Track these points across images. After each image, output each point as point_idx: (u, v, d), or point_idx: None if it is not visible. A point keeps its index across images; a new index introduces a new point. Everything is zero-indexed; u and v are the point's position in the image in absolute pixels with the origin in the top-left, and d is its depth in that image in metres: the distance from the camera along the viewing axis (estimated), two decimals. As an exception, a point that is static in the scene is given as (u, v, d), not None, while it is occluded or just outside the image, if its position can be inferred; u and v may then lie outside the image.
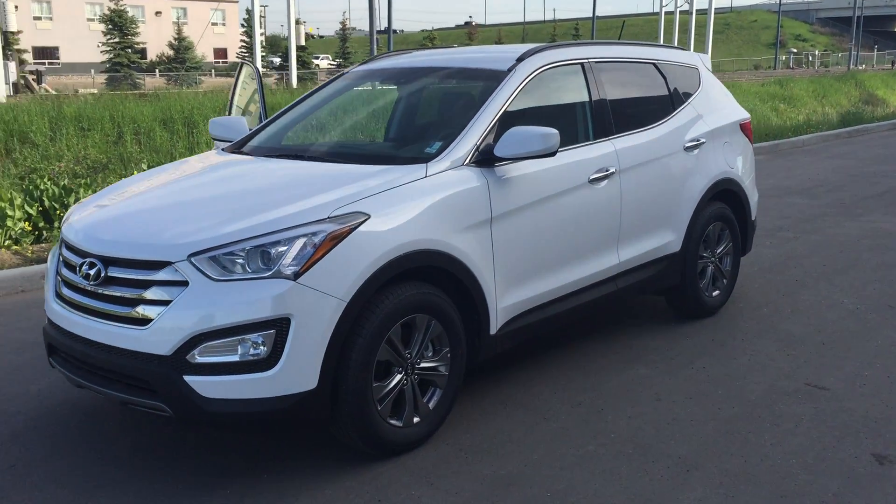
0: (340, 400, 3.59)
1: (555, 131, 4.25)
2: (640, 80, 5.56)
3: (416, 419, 3.92)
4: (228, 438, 4.07)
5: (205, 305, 3.36)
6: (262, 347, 3.38)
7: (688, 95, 5.79)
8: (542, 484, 3.62)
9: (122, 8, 53.42)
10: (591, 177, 4.76)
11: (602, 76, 5.17)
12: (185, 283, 3.42)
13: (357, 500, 3.50)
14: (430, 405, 3.99)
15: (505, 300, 4.29)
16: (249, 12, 41.19)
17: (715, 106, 5.99)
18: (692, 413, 4.33)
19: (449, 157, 4.13)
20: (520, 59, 4.75)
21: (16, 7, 35.48)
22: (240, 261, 3.45)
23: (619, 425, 4.18)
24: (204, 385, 3.36)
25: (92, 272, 3.64)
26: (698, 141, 5.65)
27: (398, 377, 3.82)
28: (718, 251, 5.95)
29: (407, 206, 3.83)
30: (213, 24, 71.87)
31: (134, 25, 54.42)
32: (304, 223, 3.54)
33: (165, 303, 3.42)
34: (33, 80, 37.76)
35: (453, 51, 5.66)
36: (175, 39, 60.44)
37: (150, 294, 3.47)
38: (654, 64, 5.65)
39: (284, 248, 3.46)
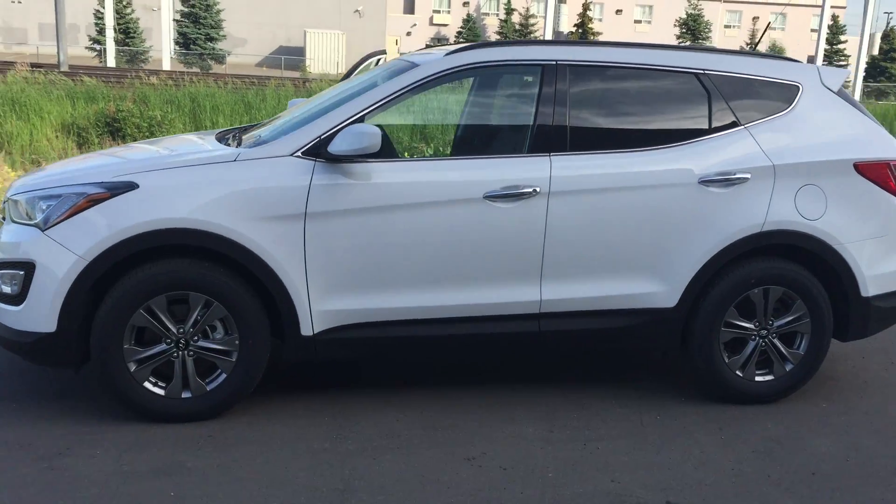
0: (91, 351, 3.91)
1: (374, 131, 3.93)
2: (657, 92, 4.52)
3: (185, 394, 4.02)
4: None
5: None
6: (14, 285, 3.89)
7: (752, 117, 4.50)
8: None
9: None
10: (490, 193, 4.14)
11: (581, 82, 4.40)
12: None
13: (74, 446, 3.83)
14: (210, 386, 4.04)
15: (326, 304, 4.07)
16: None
17: (807, 135, 4.54)
18: None
19: (273, 147, 4.09)
20: (448, 55, 4.36)
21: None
22: (22, 208, 4.00)
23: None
24: None
25: None
26: (732, 176, 4.39)
27: (163, 347, 3.97)
28: (777, 325, 4.54)
29: (191, 186, 3.95)
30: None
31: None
32: (81, 183, 3.95)
33: None
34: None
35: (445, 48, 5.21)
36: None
37: None
38: (697, 74, 4.52)
39: (53, 202, 3.91)
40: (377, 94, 4.20)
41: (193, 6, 45.08)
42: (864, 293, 4.59)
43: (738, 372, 4.55)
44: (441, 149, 8.94)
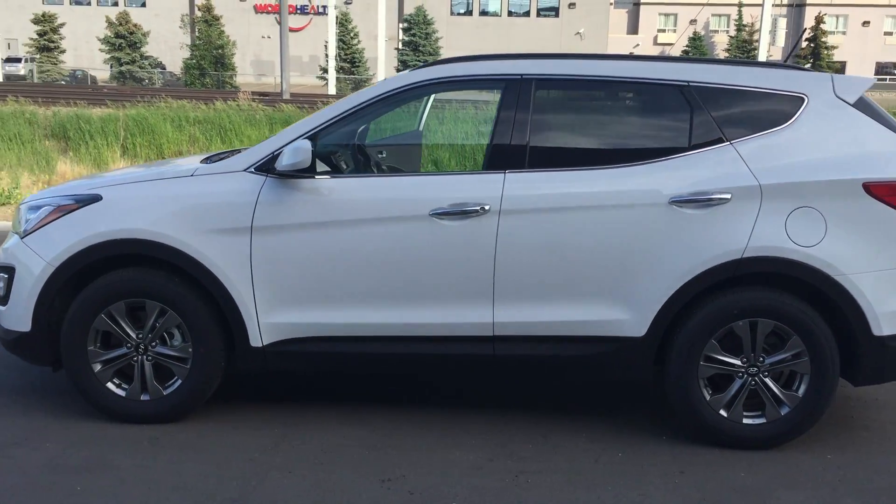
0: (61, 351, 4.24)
1: (306, 147, 3.98)
2: (632, 106, 4.20)
3: (144, 397, 4.25)
4: None
5: None
6: (2, 287, 4.30)
7: (741, 132, 4.06)
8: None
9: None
10: (436, 210, 4.04)
11: (547, 97, 4.20)
12: None
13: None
14: (166, 390, 4.25)
15: (274, 317, 4.15)
16: None
17: (807, 152, 4.01)
18: None
19: (230, 163, 4.25)
20: (412, 70, 4.32)
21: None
22: (17, 218, 4.42)
23: None
24: None
25: None
26: (708, 196, 3.98)
27: (123, 351, 4.22)
28: (769, 362, 4.06)
29: (149, 199, 4.19)
30: None
31: None
32: (57, 195, 4.32)
33: None
34: None
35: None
36: None
37: None
38: (680, 86, 4.15)
39: (34, 213, 4.29)
40: (334, 111, 4.24)
41: (414, 35, 47.05)
42: (876, 332, 4.00)
43: (721, 412, 4.12)
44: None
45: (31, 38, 50.01)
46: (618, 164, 4.10)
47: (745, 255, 3.97)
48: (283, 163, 4.03)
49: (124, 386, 4.27)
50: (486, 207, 4.03)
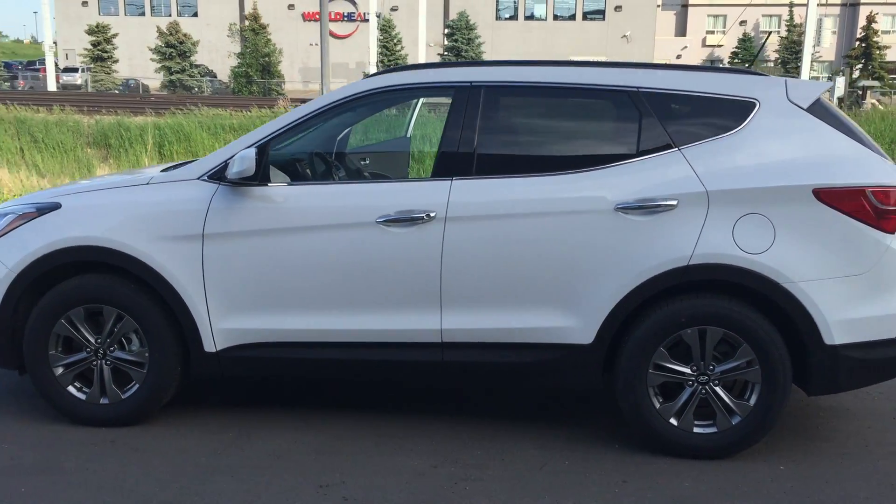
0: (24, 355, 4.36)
1: (249, 155, 4.04)
2: (581, 113, 4.18)
3: (103, 400, 4.35)
4: None
5: None
6: None
7: (690, 139, 4.01)
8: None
9: None
10: (382, 217, 4.07)
11: (495, 104, 4.20)
12: None
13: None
14: (125, 394, 4.34)
15: (227, 322, 4.21)
16: None
17: (756, 158, 3.93)
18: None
19: (185, 170, 4.33)
20: (365, 79, 4.36)
21: None
22: None
23: None
24: None
25: None
26: (654, 203, 3.94)
27: (83, 355, 4.33)
28: (719, 371, 4.00)
29: (105, 207, 4.29)
30: None
31: None
32: (22, 203, 4.45)
33: None
34: None
35: None
36: None
37: None
38: (629, 92, 4.11)
39: (1, 221, 4.42)
40: (284, 120, 4.29)
41: (456, 41, 47.17)
42: (828, 341, 3.91)
43: (671, 420, 4.07)
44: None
45: (86, 49, 51.28)
46: (565, 170, 4.08)
47: (692, 263, 3.92)
48: (231, 171, 4.09)
49: (85, 390, 4.37)
50: (432, 214, 4.04)
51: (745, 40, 61.82)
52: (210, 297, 4.20)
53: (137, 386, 4.32)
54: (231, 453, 4.10)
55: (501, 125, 4.24)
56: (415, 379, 4.38)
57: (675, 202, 3.94)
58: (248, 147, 4.16)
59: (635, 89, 4.12)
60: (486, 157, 4.14)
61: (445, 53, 47.75)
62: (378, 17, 49.05)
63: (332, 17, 57.64)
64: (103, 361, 4.32)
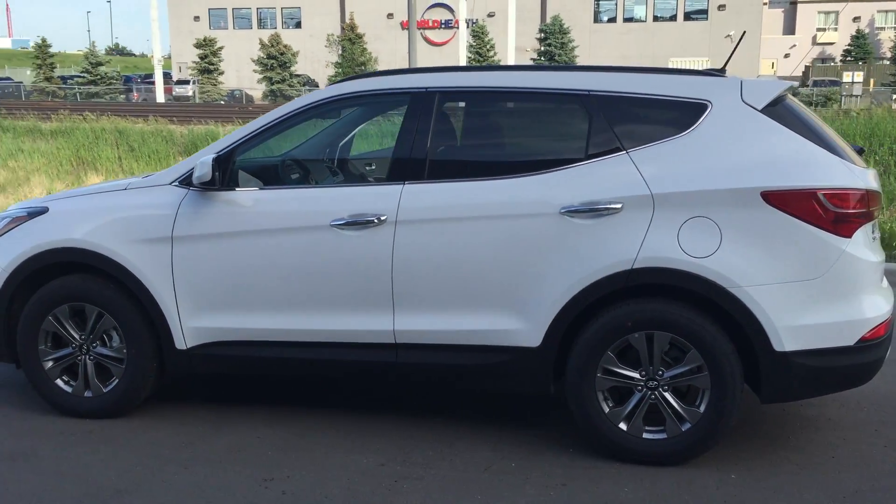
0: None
1: (205, 161, 4.21)
2: (533, 117, 4.17)
3: (87, 394, 4.62)
4: None
5: None
6: None
7: (639, 141, 3.97)
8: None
9: None
10: (336, 221, 4.18)
11: (449, 109, 4.26)
12: None
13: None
14: (106, 388, 4.60)
15: (196, 321, 4.41)
16: None
17: (705, 160, 3.85)
18: None
19: (160, 176, 4.55)
20: (329, 86, 4.48)
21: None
22: None
23: None
24: None
25: None
26: (599, 206, 3.91)
27: (68, 351, 4.60)
28: (668, 376, 3.94)
29: (87, 211, 4.55)
30: None
31: None
32: (17, 207, 4.77)
33: None
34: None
35: None
36: None
37: None
38: (581, 96, 4.09)
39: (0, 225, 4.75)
40: (249, 128, 4.46)
41: (549, 45, 46.98)
42: (777, 347, 3.80)
43: (621, 425, 4.03)
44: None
45: (194, 62, 53.44)
46: (514, 174, 4.10)
47: (636, 266, 3.88)
48: (193, 177, 4.29)
49: (72, 383, 4.64)
50: (383, 218, 4.13)
51: (858, 37, 59.33)
52: (179, 297, 4.40)
53: (117, 381, 4.56)
54: (196, 446, 4.29)
55: (454, 130, 4.30)
56: (373, 379, 4.47)
57: (619, 205, 3.91)
58: (209, 154, 4.34)
59: (587, 92, 4.11)
60: (437, 161, 4.21)
61: (539, 58, 47.59)
62: (473, 22, 49.40)
63: (430, 24, 58.41)
64: (87, 357, 4.58)
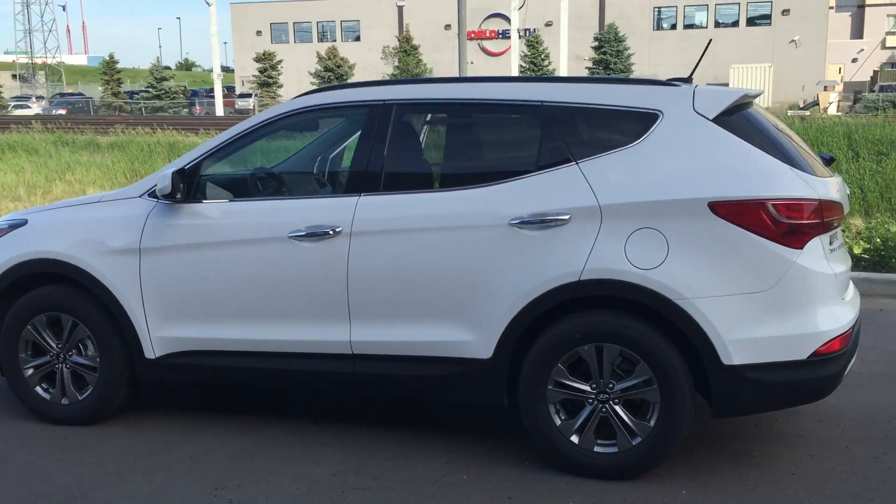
0: None
1: (165, 174, 4.30)
2: (488, 128, 4.16)
3: (63, 401, 4.75)
4: None
5: None
6: None
7: (588, 152, 3.92)
8: None
9: None
10: (294, 233, 4.23)
11: (406, 122, 4.28)
12: None
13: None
14: (82, 396, 4.73)
15: (164, 331, 4.50)
16: None
17: (654, 171, 3.78)
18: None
19: (132, 188, 4.67)
20: (293, 98, 4.55)
21: None
22: None
23: None
24: None
25: None
26: (547, 217, 3.88)
27: (46, 359, 4.75)
28: (618, 389, 3.89)
29: (61, 223, 4.69)
30: None
31: None
32: (3, 220, 4.94)
33: None
34: None
35: None
36: None
37: None
38: (535, 107, 4.06)
39: None
40: (214, 142, 4.55)
41: (605, 53, 46.64)
42: (726, 360, 3.72)
43: (572, 438, 3.99)
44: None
45: (254, 76, 54.51)
46: (466, 186, 4.10)
47: (583, 278, 3.84)
48: (157, 189, 4.40)
49: (50, 390, 4.78)
50: (339, 230, 4.17)
51: (929, 40, 57.59)
52: (147, 307, 4.50)
53: (92, 388, 4.68)
54: (160, 454, 4.36)
55: (411, 142, 4.32)
56: (332, 389, 4.51)
57: (567, 216, 3.88)
58: (170, 168, 4.44)
59: (539, 103, 4.09)
60: (393, 173, 4.22)
61: (594, 66, 47.30)
62: (530, 31, 49.36)
63: (487, 34, 58.55)
64: (64, 365, 4.71)
